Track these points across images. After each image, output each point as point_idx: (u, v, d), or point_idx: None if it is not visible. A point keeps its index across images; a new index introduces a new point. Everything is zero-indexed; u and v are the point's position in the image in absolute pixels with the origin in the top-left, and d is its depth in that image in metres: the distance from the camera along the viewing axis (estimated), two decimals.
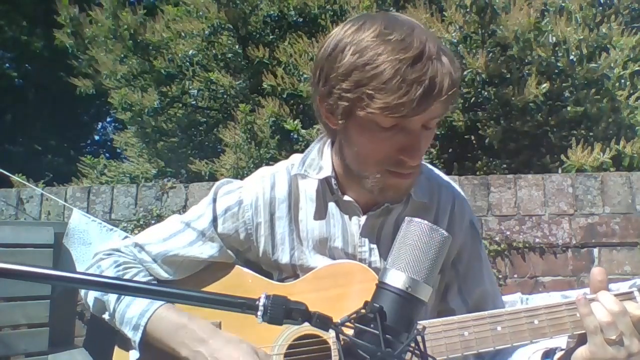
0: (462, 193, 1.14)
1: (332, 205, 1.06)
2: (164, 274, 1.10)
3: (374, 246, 1.05)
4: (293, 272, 1.08)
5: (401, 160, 0.91)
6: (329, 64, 0.90)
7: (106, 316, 1.07)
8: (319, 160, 1.07)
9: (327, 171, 1.04)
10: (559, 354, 0.91)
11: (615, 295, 0.84)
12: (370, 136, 0.90)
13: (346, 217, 1.05)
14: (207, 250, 1.09)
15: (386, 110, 0.83)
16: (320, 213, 1.06)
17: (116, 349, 1.11)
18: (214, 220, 1.08)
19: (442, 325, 0.90)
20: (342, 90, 0.87)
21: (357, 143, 0.93)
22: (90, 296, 1.08)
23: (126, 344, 1.06)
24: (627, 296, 0.85)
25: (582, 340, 0.86)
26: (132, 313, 1.02)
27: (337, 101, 0.89)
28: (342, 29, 0.92)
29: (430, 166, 1.15)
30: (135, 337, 1.01)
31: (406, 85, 0.82)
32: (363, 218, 1.04)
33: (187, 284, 1.12)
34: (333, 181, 1.04)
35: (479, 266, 1.09)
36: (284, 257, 1.07)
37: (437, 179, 1.11)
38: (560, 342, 0.94)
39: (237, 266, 1.12)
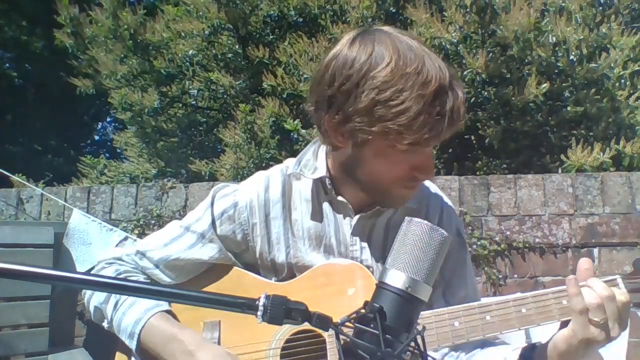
0: (450, 203, 1.19)
1: (326, 206, 1.09)
2: (166, 279, 1.13)
3: (365, 245, 1.08)
4: (289, 271, 1.10)
5: (414, 177, 0.96)
6: (343, 97, 0.90)
7: (105, 324, 1.10)
8: (313, 161, 1.10)
9: (321, 171, 1.07)
10: (539, 344, 0.93)
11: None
12: (385, 159, 0.94)
13: (339, 216, 1.09)
14: (207, 251, 1.11)
15: (415, 145, 0.88)
16: (316, 213, 1.09)
17: (118, 354, 1.12)
18: (213, 222, 1.11)
19: (433, 316, 0.94)
20: (364, 124, 0.89)
21: (372, 165, 0.96)
22: (92, 305, 1.11)
23: (127, 349, 1.08)
24: (612, 283, 0.89)
25: (565, 325, 0.89)
26: (127, 321, 1.04)
27: (356, 132, 0.91)
28: (348, 56, 0.90)
29: None
30: (132, 345, 1.03)
31: (432, 121, 0.86)
32: (355, 218, 1.08)
33: (186, 286, 1.13)
34: (327, 181, 1.07)
35: (464, 272, 1.13)
36: (280, 255, 1.09)
37: (427, 188, 1.16)
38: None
39: (235, 268, 1.13)
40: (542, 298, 0.91)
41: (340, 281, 1.03)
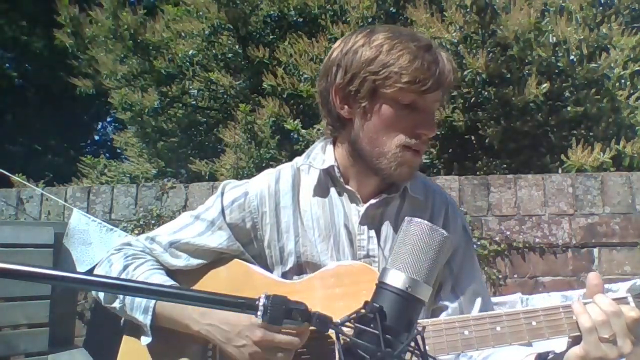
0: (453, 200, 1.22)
1: (334, 196, 1.13)
2: (173, 262, 1.15)
3: (373, 234, 1.10)
4: (297, 261, 1.10)
5: (418, 135, 1.03)
6: (348, 57, 1.03)
7: (117, 304, 1.10)
8: (322, 155, 1.15)
9: (330, 161, 1.12)
10: (552, 356, 0.93)
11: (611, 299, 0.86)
12: (391, 114, 1.02)
13: (347, 206, 1.12)
14: (216, 239, 1.13)
15: (413, 84, 0.98)
16: (325, 203, 1.12)
17: (124, 337, 1.13)
18: (222, 211, 1.14)
19: (444, 323, 0.93)
20: (369, 73, 1.00)
21: (379, 122, 1.03)
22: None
23: (135, 331, 1.08)
24: (621, 301, 0.88)
25: (575, 341, 0.88)
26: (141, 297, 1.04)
27: (362, 84, 1.01)
28: (350, 37, 1.05)
29: (424, 175, 1.24)
30: (146, 320, 1.04)
31: (427, 65, 0.98)
32: (363, 208, 1.10)
33: (192, 281, 1.14)
34: (336, 170, 1.11)
35: (471, 267, 1.15)
36: (289, 244, 1.11)
37: (432, 185, 1.21)
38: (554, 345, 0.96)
39: (243, 264, 1.13)
40: (552, 312, 0.91)
41: (351, 283, 1.03)
